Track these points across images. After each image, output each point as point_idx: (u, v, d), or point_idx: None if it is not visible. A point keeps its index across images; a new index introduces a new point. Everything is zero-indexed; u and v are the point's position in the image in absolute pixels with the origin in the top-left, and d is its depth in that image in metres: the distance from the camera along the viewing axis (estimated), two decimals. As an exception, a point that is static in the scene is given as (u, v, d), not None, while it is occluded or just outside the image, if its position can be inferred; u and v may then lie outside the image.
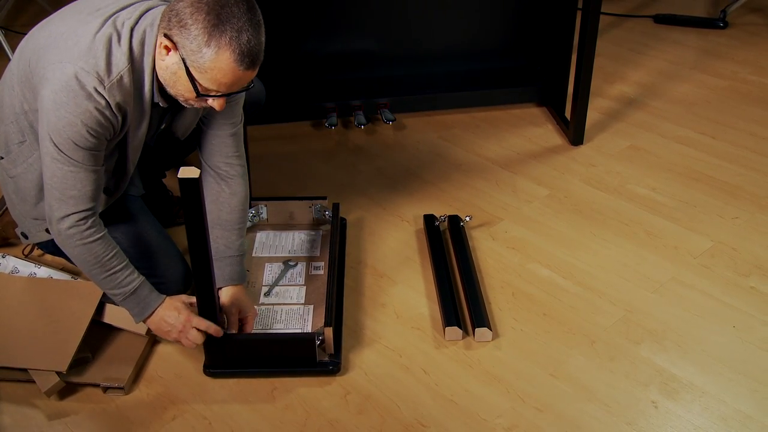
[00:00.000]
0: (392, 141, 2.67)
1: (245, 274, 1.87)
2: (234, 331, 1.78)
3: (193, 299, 1.73)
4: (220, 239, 1.83)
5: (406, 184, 2.43)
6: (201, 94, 1.56)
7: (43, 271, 1.94)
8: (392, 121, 2.63)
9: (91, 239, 1.63)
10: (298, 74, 2.76)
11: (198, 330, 1.70)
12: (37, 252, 2.07)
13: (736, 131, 2.69)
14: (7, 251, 2.04)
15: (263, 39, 1.53)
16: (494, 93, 2.81)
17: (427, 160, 2.55)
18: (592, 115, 2.77)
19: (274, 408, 1.69)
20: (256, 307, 1.90)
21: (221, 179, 1.84)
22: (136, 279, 1.69)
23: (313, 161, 2.56)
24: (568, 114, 2.66)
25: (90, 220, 1.63)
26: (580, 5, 2.45)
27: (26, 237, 1.88)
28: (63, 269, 1.98)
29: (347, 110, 2.68)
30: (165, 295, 1.73)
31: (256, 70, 1.55)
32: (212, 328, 1.70)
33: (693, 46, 3.33)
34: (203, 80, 1.53)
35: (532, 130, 2.72)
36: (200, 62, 1.50)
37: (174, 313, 1.70)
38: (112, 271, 1.66)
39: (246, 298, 1.83)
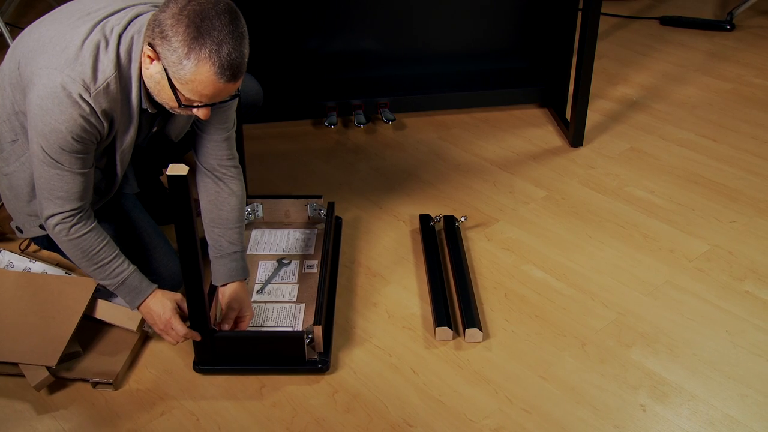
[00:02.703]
0: (392, 141, 2.67)
1: (247, 269, 1.87)
2: (227, 328, 1.78)
3: (183, 301, 1.75)
4: (222, 237, 1.84)
5: (404, 184, 2.43)
6: (183, 104, 1.57)
7: (37, 266, 1.95)
8: (392, 120, 2.63)
9: (77, 235, 1.66)
10: (299, 73, 2.77)
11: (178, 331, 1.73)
12: (33, 247, 2.09)
13: (738, 134, 2.68)
14: (4, 246, 2.06)
15: (246, 51, 1.53)
16: (495, 94, 2.80)
17: (426, 160, 2.55)
18: (594, 117, 2.77)
19: (262, 405, 1.69)
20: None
21: (218, 180, 1.85)
22: (125, 270, 1.72)
23: (312, 160, 2.57)
24: (569, 116, 2.65)
25: (76, 217, 1.66)
26: (581, 6, 2.44)
27: (21, 231, 1.90)
28: (58, 265, 1.99)
29: (347, 109, 2.68)
30: (156, 286, 1.75)
31: (239, 82, 1.55)
32: (189, 335, 1.71)
33: (699, 49, 3.32)
34: (185, 91, 1.53)
35: (533, 131, 2.71)
36: (181, 74, 1.50)
37: (159, 309, 1.72)
38: (100, 263, 1.69)
39: (246, 297, 1.83)
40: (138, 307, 1.75)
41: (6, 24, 3.13)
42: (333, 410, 1.68)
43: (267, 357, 1.75)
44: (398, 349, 1.83)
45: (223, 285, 1.82)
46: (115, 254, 1.71)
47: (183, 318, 1.73)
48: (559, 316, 1.92)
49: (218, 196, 1.84)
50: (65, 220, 1.65)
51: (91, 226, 1.68)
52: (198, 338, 1.71)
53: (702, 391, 1.71)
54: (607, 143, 2.63)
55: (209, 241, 1.85)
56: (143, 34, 1.57)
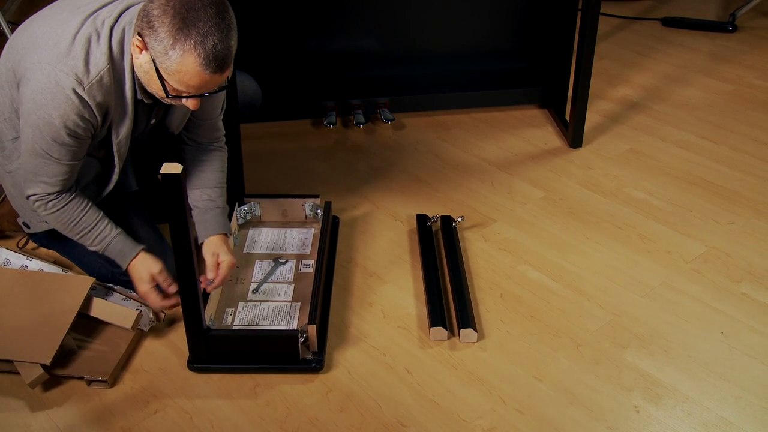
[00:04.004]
0: (391, 141, 2.67)
1: (226, 224, 1.90)
2: (212, 276, 1.81)
3: (159, 274, 1.80)
4: (203, 196, 1.90)
5: (402, 184, 2.43)
6: (171, 95, 1.58)
7: (34, 264, 1.95)
8: (391, 120, 2.63)
9: (54, 210, 1.72)
10: (298, 72, 2.77)
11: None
12: (31, 245, 2.09)
13: (738, 136, 2.67)
14: (2, 243, 2.07)
15: (233, 43, 1.54)
16: (495, 94, 2.80)
17: (425, 161, 2.55)
18: (594, 118, 2.76)
19: (255, 404, 1.69)
20: (243, 303, 1.92)
21: (201, 147, 1.92)
22: (107, 237, 1.77)
23: (311, 159, 2.57)
24: (568, 116, 2.65)
25: (53, 195, 1.70)
26: (580, 6, 2.43)
27: (28, 227, 1.92)
28: (55, 262, 2.00)
29: (347, 109, 2.68)
30: (141, 247, 1.80)
31: (225, 74, 1.56)
32: (163, 304, 1.79)
33: (700, 50, 3.31)
34: (172, 81, 1.54)
35: (532, 131, 2.71)
36: (167, 64, 1.51)
37: (138, 274, 1.79)
38: (81, 233, 1.76)
39: (223, 246, 1.85)
40: (126, 269, 1.80)
41: (9, 22, 3.14)
42: (326, 410, 1.68)
43: (261, 356, 1.75)
44: (393, 349, 1.83)
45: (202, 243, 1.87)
46: (96, 222, 1.75)
47: (161, 290, 1.80)
48: (554, 316, 1.92)
49: (201, 160, 1.91)
50: (43, 198, 1.70)
51: (68, 200, 1.72)
52: (178, 303, 1.74)
53: (696, 393, 1.71)
54: (607, 144, 2.63)
55: (191, 204, 1.89)
56: (134, 25, 1.58)
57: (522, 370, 1.77)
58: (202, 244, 1.86)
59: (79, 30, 1.59)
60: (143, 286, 1.79)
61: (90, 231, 1.75)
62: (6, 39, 3.08)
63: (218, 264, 1.83)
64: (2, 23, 3.07)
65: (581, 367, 1.78)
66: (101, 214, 1.77)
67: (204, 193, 1.89)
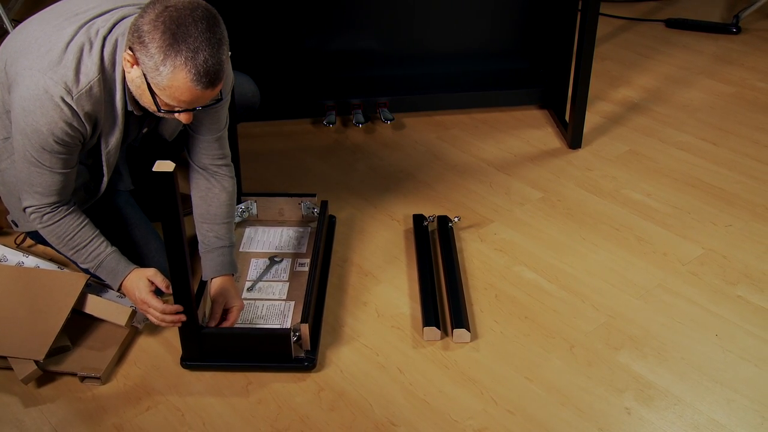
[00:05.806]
0: (390, 140, 2.67)
1: (235, 264, 1.88)
2: (214, 323, 1.79)
3: (155, 276, 1.76)
4: (210, 232, 1.85)
5: (400, 184, 2.43)
6: (163, 109, 1.57)
7: (30, 261, 1.97)
8: (391, 120, 2.63)
9: (50, 222, 1.71)
10: (298, 71, 2.77)
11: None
12: (29, 242, 2.10)
13: (739, 138, 2.66)
14: (0, 240, 2.08)
15: (224, 57, 1.52)
16: (495, 94, 2.80)
17: (423, 161, 2.55)
18: (594, 119, 2.76)
19: (247, 402, 1.70)
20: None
21: (210, 176, 1.86)
22: (102, 253, 1.75)
23: (310, 159, 2.58)
24: (568, 117, 2.65)
25: (50, 208, 1.69)
26: (580, 7, 2.43)
27: (17, 225, 1.92)
28: (51, 259, 2.01)
29: (346, 108, 2.69)
30: (134, 266, 1.78)
31: (218, 89, 1.54)
32: (167, 309, 1.69)
33: (703, 52, 3.30)
34: (163, 96, 1.53)
35: (532, 132, 2.71)
36: (158, 80, 1.50)
37: (134, 289, 1.75)
38: (76, 248, 1.74)
39: (233, 290, 1.84)
40: (119, 289, 1.78)
41: (12, 20, 3.15)
42: (318, 408, 1.68)
43: (254, 354, 1.76)
44: (386, 349, 1.83)
45: (211, 280, 1.83)
46: (91, 238, 1.74)
47: (160, 293, 1.76)
48: (548, 317, 1.92)
49: (209, 191, 1.85)
50: (40, 210, 1.70)
51: (65, 213, 1.71)
52: (179, 310, 1.68)
53: (689, 395, 1.71)
54: (606, 145, 2.63)
55: (199, 237, 1.86)
56: (125, 38, 1.57)
57: (514, 370, 1.77)
58: (207, 281, 1.85)
59: (72, 38, 1.58)
60: (141, 294, 1.73)
61: (84, 247, 1.74)
62: (9, 36, 3.09)
63: (224, 311, 1.81)
64: (6, 20, 3.09)
65: (574, 369, 1.78)
66: (97, 231, 1.76)
67: (211, 229, 1.84)
